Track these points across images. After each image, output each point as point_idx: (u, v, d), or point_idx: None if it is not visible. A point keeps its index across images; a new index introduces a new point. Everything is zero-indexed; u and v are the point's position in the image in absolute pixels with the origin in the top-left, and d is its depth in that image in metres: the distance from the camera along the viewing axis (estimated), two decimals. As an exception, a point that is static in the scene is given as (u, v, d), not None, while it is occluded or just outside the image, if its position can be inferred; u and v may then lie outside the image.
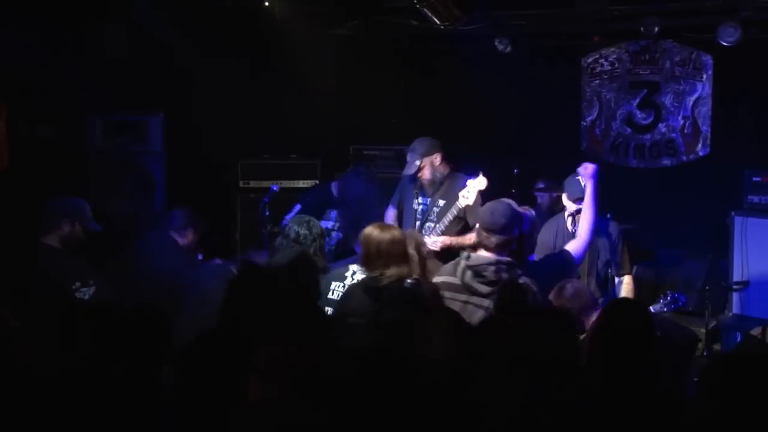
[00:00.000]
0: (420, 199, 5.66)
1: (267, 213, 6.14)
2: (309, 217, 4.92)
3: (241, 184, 7.75)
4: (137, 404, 2.77)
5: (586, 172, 4.91)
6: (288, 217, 5.90)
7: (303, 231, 4.73)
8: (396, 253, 4.12)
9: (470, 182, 5.43)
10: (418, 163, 5.68)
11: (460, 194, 5.47)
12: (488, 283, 4.06)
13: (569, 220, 5.51)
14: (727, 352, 5.74)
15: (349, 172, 6.72)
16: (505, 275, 4.06)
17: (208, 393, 2.91)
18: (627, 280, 5.52)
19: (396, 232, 4.27)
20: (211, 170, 7.34)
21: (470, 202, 5.43)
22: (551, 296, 4.16)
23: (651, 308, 4.93)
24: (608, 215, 5.77)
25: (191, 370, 3.06)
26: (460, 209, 5.49)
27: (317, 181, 7.52)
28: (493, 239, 4.11)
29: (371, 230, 4.21)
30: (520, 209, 4.49)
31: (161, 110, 6.93)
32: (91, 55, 6.33)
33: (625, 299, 4.14)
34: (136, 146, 6.91)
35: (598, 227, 5.17)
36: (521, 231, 4.29)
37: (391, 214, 5.98)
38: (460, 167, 5.83)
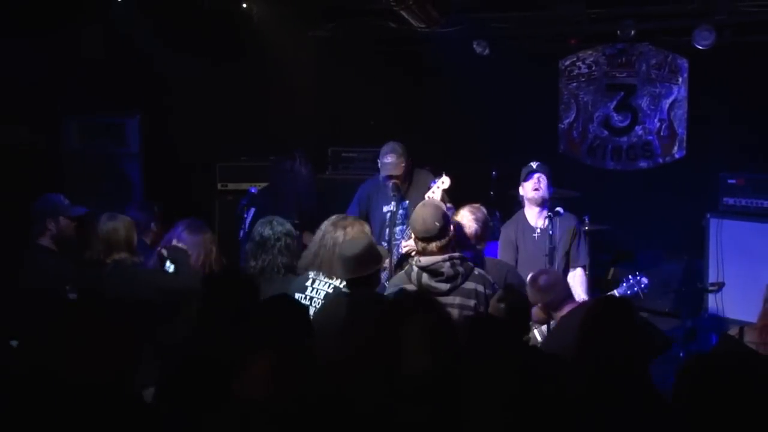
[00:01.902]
0: (392, 204, 5.63)
1: (245, 215, 6.10)
2: (273, 217, 4.88)
3: (219, 186, 7.70)
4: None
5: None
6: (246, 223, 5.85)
7: (267, 232, 4.71)
8: None
9: (434, 185, 5.44)
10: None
11: (426, 195, 5.47)
12: (447, 280, 4.08)
13: (533, 213, 5.44)
14: (705, 352, 5.78)
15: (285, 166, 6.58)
16: (461, 268, 4.08)
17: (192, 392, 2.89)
18: (578, 272, 5.37)
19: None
20: (189, 172, 7.31)
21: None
22: (527, 287, 4.27)
23: (615, 291, 5.02)
24: (586, 217, 5.78)
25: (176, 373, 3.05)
26: None
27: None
28: (433, 245, 4.13)
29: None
30: (474, 209, 4.67)
31: (138, 112, 6.90)
32: (67, 56, 6.27)
33: (609, 297, 4.13)
34: (114, 148, 6.88)
35: (560, 220, 5.19)
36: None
37: None
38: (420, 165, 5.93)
